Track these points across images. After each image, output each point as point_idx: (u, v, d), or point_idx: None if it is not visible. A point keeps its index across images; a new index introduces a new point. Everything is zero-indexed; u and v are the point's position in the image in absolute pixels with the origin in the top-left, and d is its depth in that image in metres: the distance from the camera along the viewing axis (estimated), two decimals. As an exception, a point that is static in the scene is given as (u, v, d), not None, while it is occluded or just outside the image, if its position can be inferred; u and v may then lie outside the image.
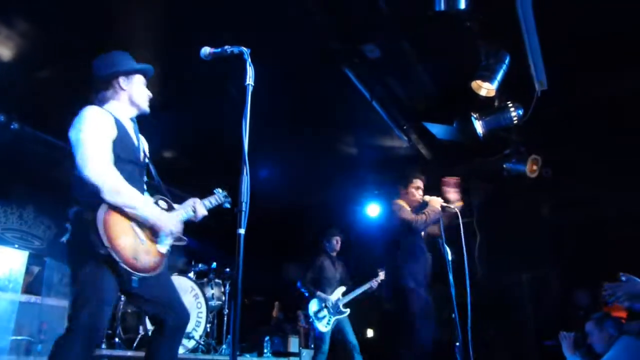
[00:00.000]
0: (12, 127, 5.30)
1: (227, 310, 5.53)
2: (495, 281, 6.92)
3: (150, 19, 4.21)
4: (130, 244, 2.30)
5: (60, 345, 2.17)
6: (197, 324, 4.88)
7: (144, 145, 2.86)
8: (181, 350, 4.66)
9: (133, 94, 2.73)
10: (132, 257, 2.28)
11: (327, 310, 5.44)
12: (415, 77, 5.13)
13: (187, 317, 2.62)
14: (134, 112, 2.77)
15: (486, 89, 4.55)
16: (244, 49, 2.27)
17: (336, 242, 5.91)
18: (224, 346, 5.21)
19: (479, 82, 4.51)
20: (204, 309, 4.98)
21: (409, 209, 4.15)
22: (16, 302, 3.63)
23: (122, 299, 4.85)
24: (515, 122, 5.03)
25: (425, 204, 4.15)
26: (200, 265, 5.49)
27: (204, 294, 5.05)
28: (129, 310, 4.79)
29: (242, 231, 1.98)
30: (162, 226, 2.47)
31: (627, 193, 5.94)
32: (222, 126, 4.33)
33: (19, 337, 3.58)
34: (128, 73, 2.72)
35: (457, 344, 4.79)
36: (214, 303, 5.38)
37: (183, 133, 6.18)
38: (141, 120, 2.85)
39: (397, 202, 4.23)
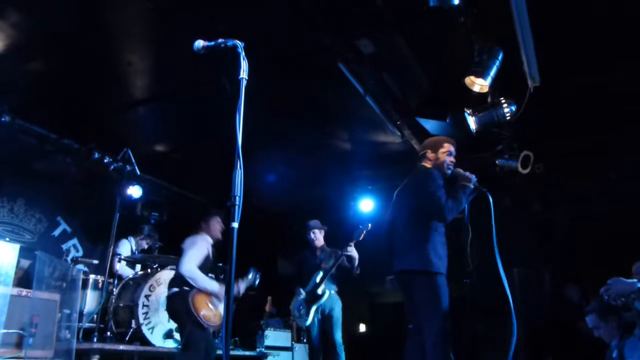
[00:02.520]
0: (2, 119, 5.25)
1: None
2: (487, 276, 6.95)
3: (143, 11, 4.18)
4: (206, 313, 4.07)
5: None
6: (190, 318, 4.91)
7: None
8: (173, 345, 4.68)
9: (213, 233, 4.55)
10: (205, 315, 4.04)
11: (304, 302, 5.32)
12: (408, 73, 5.12)
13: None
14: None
15: (479, 84, 4.56)
16: (238, 43, 2.25)
17: (318, 233, 5.67)
18: (216, 341, 5.21)
19: (472, 77, 4.52)
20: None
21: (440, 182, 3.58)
22: (7, 296, 3.61)
23: (114, 293, 4.85)
24: (508, 118, 5.04)
25: (454, 178, 3.66)
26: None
27: (196, 289, 5.07)
28: (121, 305, 4.78)
29: (235, 225, 1.98)
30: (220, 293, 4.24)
31: (617, 189, 6.00)
32: (216, 120, 4.31)
33: (10, 331, 3.56)
34: (207, 221, 4.57)
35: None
36: (206, 297, 5.38)
37: (177, 127, 6.16)
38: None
39: (424, 174, 3.60)
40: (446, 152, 3.76)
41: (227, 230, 2.41)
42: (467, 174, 3.62)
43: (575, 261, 6.31)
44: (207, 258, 4.30)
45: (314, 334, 5.35)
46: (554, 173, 6.33)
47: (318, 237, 5.65)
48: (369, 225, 5.32)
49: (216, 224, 4.48)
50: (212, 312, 4.07)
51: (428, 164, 3.72)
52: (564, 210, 6.57)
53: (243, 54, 2.23)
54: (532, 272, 6.91)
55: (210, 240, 4.43)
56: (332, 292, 5.44)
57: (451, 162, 3.74)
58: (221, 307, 4.06)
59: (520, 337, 6.69)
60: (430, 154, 3.76)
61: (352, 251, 5.30)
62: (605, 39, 4.52)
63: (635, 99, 5.24)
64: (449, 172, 3.70)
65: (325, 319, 5.37)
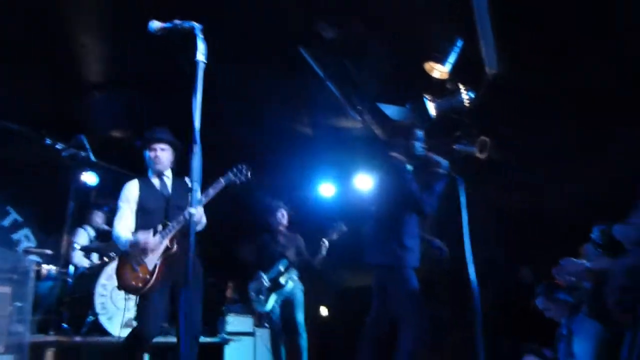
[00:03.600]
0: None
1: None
2: (445, 261, 7.12)
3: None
4: (129, 275, 3.29)
5: None
6: (149, 306, 4.83)
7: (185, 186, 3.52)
8: (132, 334, 4.61)
9: (149, 163, 3.58)
10: (129, 284, 3.28)
11: (265, 288, 5.33)
12: (369, 58, 5.14)
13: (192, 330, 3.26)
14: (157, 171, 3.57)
15: (439, 71, 4.62)
16: (195, 24, 2.19)
17: (281, 215, 5.64)
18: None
19: (432, 64, 4.58)
20: (156, 291, 4.92)
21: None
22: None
23: (70, 283, 4.72)
24: (467, 104, 5.14)
25: (425, 163, 3.78)
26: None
27: (155, 277, 4.99)
28: (77, 295, 4.66)
29: (193, 211, 1.95)
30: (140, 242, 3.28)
31: (569, 176, 6.22)
32: (173, 104, 4.21)
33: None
34: (142, 150, 3.62)
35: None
36: (166, 285, 5.31)
37: (134, 112, 6.00)
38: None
39: (403, 164, 3.68)
40: (414, 137, 3.84)
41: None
42: (439, 158, 3.71)
43: (528, 244, 6.53)
44: (146, 200, 3.47)
45: (275, 318, 5.37)
46: (510, 158, 6.51)
47: (284, 218, 5.65)
48: (344, 227, 5.39)
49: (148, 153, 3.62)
50: (136, 272, 3.25)
51: (400, 154, 3.75)
52: (518, 194, 6.77)
53: (201, 36, 2.18)
54: (487, 254, 7.12)
55: (135, 187, 3.54)
56: (295, 277, 5.47)
57: (421, 147, 3.80)
58: (147, 259, 3.25)
59: (476, 315, 6.92)
60: (401, 141, 3.79)
61: (324, 250, 5.39)
62: (564, 30, 4.64)
63: (588, 90, 5.42)
64: (420, 155, 3.75)
65: (287, 302, 5.39)
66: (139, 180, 3.56)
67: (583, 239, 4.20)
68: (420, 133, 3.86)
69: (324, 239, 5.39)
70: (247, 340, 5.73)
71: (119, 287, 3.33)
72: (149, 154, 3.53)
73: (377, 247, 3.63)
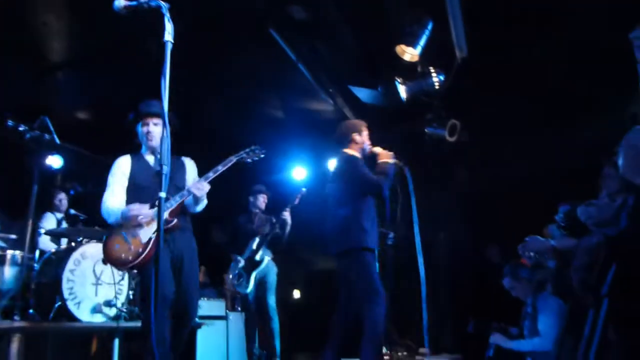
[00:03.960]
0: None
1: (138, 278, 5.39)
2: (415, 240, 7.22)
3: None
4: (118, 248, 3.07)
5: None
6: (119, 291, 4.74)
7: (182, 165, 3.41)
8: (102, 319, 4.55)
9: (142, 138, 3.32)
10: (118, 258, 3.05)
11: (243, 270, 5.36)
12: (341, 40, 5.11)
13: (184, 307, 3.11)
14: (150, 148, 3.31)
15: (410, 53, 4.63)
16: (162, 3, 2.09)
17: (263, 199, 5.71)
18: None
19: (403, 46, 4.59)
20: (125, 275, 4.83)
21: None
22: None
23: (36, 268, 4.61)
24: (437, 87, 5.18)
25: (374, 156, 3.87)
26: (121, 232, 5.30)
27: (125, 261, 4.92)
28: (44, 281, 4.56)
29: (162, 194, 1.92)
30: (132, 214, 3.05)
31: (535, 156, 6.36)
32: (140, 86, 4.11)
33: None
34: (134, 123, 3.36)
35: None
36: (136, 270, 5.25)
37: (99, 93, 5.84)
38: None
39: (354, 157, 3.84)
40: (366, 135, 3.97)
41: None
42: (386, 152, 3.89)
43: (496, 224, 6.68)
44: (138, 176, 3.27)
45: (251, 300, 5.39)
46: (478, 141, 6.61)
47: (263, 202, 5.69)
48: (304, 189, 5.39)
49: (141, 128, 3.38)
50: (127, 245, 3.08)
51: (353, 148, 3.89)
52: (486, 176, 6.89)
53: (168, 15, 2.12)
54: (456, 234, 7.26)
55: (126, 162, 3.34)
56: (269, 257, 5.49)
57: (369, 144, 3.96)
58: (141, 232, 3.07)
59: (446, 296, 7.08)
60: (357, 137, 3.90)
61: (287, 216, 5.38)
62: (531, 13, 4.71)
63: (556, 72, 5.53)
64: (367, 151, 3.93)
65: (260, 284, 5.43)
66: (131, 155, 3.34)
67: (550, 218, 4.32)
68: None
69: (286, 207, 5.39)
70: (220, 324, 5.72)
71: (105, 261, 3.12)
72: (142, 128, 3.31)
73: (337, 234, 3.77)
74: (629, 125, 2.24)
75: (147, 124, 3.27)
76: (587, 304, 2.02)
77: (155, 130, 3.24)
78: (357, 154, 3.87)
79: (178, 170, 3.32)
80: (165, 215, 3.03)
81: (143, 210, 3.05)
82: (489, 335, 3.77)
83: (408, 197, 3.99)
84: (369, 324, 3.54)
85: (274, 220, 5.50)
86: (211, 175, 3.20)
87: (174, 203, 3.10)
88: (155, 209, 3.01)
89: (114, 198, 3.20)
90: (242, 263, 5.36)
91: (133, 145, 3.39)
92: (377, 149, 3.90)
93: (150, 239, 3.05)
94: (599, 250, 1.99)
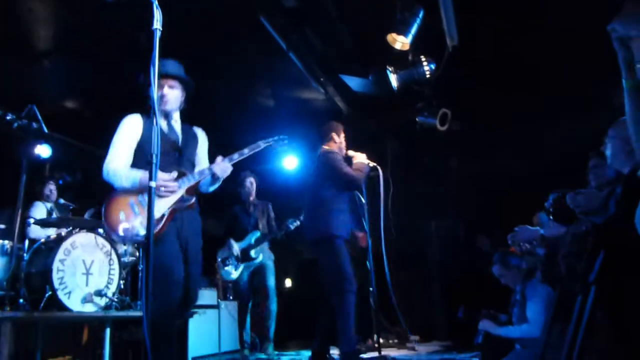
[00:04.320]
0: None
1: (141, 266, 5.39)
2: (407, 230, 7.27)
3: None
4: (122, 216, 2.71)
5: None
6: (110, 280, 4.73)
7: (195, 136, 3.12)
8: (93, 309, 4.54)
9: (159, 99, 2.86)
10: (122, 228, 2.69)
11: (234, 257, 5.39)
12: (332, 29, 5.08)
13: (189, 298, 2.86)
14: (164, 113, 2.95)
15: (401, 42, 4.62)
16: (150, -9, 2.10)
17: (250, 183, 5.72)
18: (139, 302, 5.11)
19: (394, 35, 4.57)
20: (116, 265, 4.82)
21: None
22: None
23: (25, 258, 4.58)
24: (428, 76, 5.18)
25: (349, 159, 4.14)
26: (111, 221, 5.27)
27: (115, 251, 4.88)
28: (34, 270, 4.54)
29: (153, 184, 1.91)
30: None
31: (525, 146, 6.40)
32: (129, 74, 4.07)
33: None
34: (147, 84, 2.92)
35: (371, 289, 5.05)
36: (127, 259, 5.21)
37: (87, 81, 5.78)
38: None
39: (333, 152, 4.11)
40: (344, 137, 4.26)
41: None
42: (359, 154, 4.17)
43: (486, 213, 6.72)
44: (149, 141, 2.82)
45: (242, 287, 5.46)
46: (470, 130, 6.63)
47: (253, 187, 5.72)
48: (299, 222, 5.47)
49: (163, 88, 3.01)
50: (135, 216, 2.74)
51: (333, 146, 4.17)
52: (477, 165, 6.93)
53: (156, 3, 2.10)
54: (448, 224, 7.32)
55: (137, 122, 2.96)
56: (265, 247, 5.58)
57: (345, 146, 4.26)
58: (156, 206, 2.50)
59: (438, 284, 7.15)
60: (336, 137, 4.20)
61: (292, 226, 5.52)
62: (520, 3, 4.71)
63: (547, 61, 5.55)
64: (343, 152, 4.21)
65: (257, 271, 5.54)
66: (142, 116, 2.96)
67: (541, 208, 4.35)
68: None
69: (296, 220, 5.46)
70: (212, 312, 5.73)
71: (107, 230, 2.75)
72: (162, 90, 2.95)
73: (312, 223, 4.03)
74: (617, 116, 2.26)
75: (162, 86, 2.91)
76: (575, 291, 2.05)
77: (170, 94, 2.96)
78: (336, 150, 4.14)
79: (190, 141, 3.07)
80: (182, 192, 2.83)
81: (170, 183, 2.74)
82: (479, 322, 3.81)
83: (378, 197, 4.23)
84: (339, 313, 3.69)
85: (269, 206, 5.58)
86: (236, 157, 3.02)
87: (192, 180, 2.86)
88: (180, 180, 2.81)
89: (120, 160, 2.82)
90: (236, 252, 5.37)
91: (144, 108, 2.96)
92: (352, 152, 4.19)
93: (163, 215, 2.72)
94: (587, 238, 2.02)
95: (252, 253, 5.43)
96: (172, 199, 2.76)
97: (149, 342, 2.19)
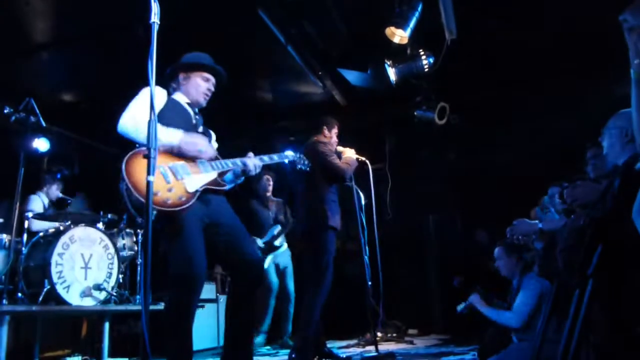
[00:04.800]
0: None
1: (140, 260, 5.39)
2: (405, 223, 7.29)
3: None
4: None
5: None
6: (109, 275, 4.74)
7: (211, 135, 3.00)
8: (92, 303, 4.55)
9: (189, 89, 2.86)
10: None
11: (260, 250, 5.52)
12: (330, 22, 5.06)
13: (254, 275, 2.70)
14: (194, 104, 2.90)
15: (399, 36, 4.60)
16: (147, -17, 2.08)
17: (267, 180, 5.87)
18: (138, 296, 5.12)
19: (392, 28, 4.55)
20: (115, 259, 4.83)
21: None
22: None
23: (24, 252, 4.58)
24: (427, 70, 5.16)
25: (339, 154, 4.18)
26: (109, 216, 5.26)
27: (114, 245, 4.88)
28: (32, 264, 4.54)
29: (151, 178, 1.91)
30: (188, 145, 2.59)
31: (523, 140, 6.39)
32: (127, 67, 4.05)
33: None
34: (187, 70, 2.89)
35: (370, 283, 5.06)
36: (125, 253, 5.22)
37: (85, 74, 5.75)
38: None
39: (323, 144, 4.15)
40: (336, 134, 4.32)
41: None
42: (348, 149, 4.22)
43: (484, 207, 6.73)
44: (174, 112, 2.74)
45: (272, 279, 5.66)
46: (468, 124, 6.62)
47: (270, 183, 5.91)
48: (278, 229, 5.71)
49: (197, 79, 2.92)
50: (165, 183, 2.47)
51: (322, 139, 4.22)
52: (476, 159, 6.93)
53: (154, -5, 2.08)
54: (446, 217, 7.32)
55: (161, 95, 2.76)
56: (286, 245, 5.84)
57: (336, 142, 4.32)
58: (188, 178, 2.53)
59: (435, 278, 7.16)
60: (326, 131, 4.26)
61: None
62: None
63: (546, 54, 5.54)
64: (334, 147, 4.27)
65: (281, 271, 5.75)
66: (163, 89, 2.80)
67: (535, 202, 4.36)
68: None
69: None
70: (210, 306, 5.75)
71: (130, 188, 2.36)
72: (199, 81, 2.90)
73: (305, 213, 4.04)
74: (617, 107, 2.27)
75: (209, 81, 2.93)
76: (572, 285, 2.05)
77: (209, 93, 2.94)
78: (326, 142, 4.21)
79: (209, 136, 2.97)
80: (215, 174, 2.69)
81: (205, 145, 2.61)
82: (469, 296, 3.85)
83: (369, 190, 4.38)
84: (307, 305, 3.73)
85: (284, 204, 5.89)
86: (266, 160, 2.96)
87: (225, 166, 2.74)
88: (216, 161, 2.68)
89: (143, 116, 2.35)
90: (260, 245, 5.56)
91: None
92: (341, 148, 4.24)
93: (197, 191, 2.55)
94: (585, 232, 2.02)
95: (276, 243, 5.69)
96: (207, 178, 2.63)
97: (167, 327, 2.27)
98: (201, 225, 2.59)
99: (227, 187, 2.77)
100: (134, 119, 2.51)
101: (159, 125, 2.28)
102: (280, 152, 3.12)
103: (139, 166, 2.37)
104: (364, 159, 4.30)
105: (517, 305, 3.51)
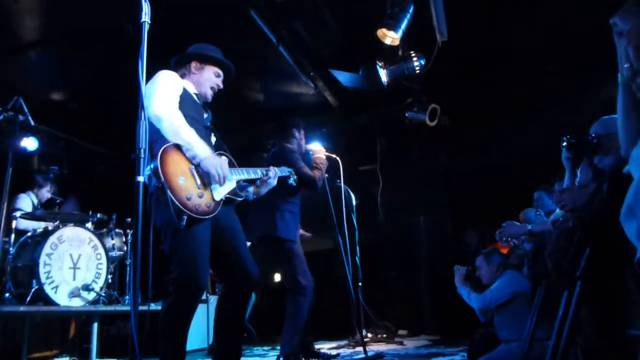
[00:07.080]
0: None
1: (129, 261, 5.36)
2: (395, 224, 7.31)
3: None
4: (184, 183, 2.37)
5: None
6: (97, 275, 4.70)
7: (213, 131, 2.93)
8: (80, 303, 4.51)
9: (200, 80, 2.83)
10: (185, 196, 2.33)
11: None
12: (322, 23, 5.06)
13: (251, 283, 2.64)
14: (201, 96, 2.86)
15: (391, 37, 4.61)
16: (138, -18, 2.07)
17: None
18: (127, 297, 5.09)
19: (384, 30, 4.57)
20: (104, 259, 4.79)
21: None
22: None
23: (11, 252, 4.54)
24: (418, 71, 5.19)
25: (308, 153, 4.10)
26: (99, 215, 5.22)
27: (103, 245, 4.85)
28: (20, 264, 4.50)
29: (141, 179, 1.89)
30: (210, 165, 2.44)
31: (513, 142, 6.44)
32: (117, 66, 4.02)
33: None
34: (202, 61, 2.86)
35: (360, 284, 5.08)
36: (114, 253, 5.18)
37: (74, 73, 5.70)
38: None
39: (291, 153, 3.98)
40: (303, 133, 4.22)
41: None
42: (316, 144, 4.21)
43: (475, 208, 6.77)
44: (188, 104, 2.64)
45: None
46: (458, 125, 6.66)
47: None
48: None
49: (210, 72, 2.89)
50: (197, 187, 2.42)
51: (292, 143, 4.12)
52: (466, 161, 6.97)
53: (145, -5, 2.07)
54: (436, 219, 7.35)
55: (178, 82, 2.67)
56: None
57: (303, 141, 4.22)
58: (215, 185, 2.48)
59: (425, 279, 7.19)
60: (297, 133, 4.16)
61: None
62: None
63: (536, 56, 5.58)
64: (302, 148, 4.18)
65: None
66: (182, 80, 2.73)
67: (525, 204, 4.40)
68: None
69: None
70: (201, 307, 5.73)
71: (166, 186, 2.27)
72: (210, 75, 2.87)
73: (261, 221, 3.93)
74: (606, 110, 2.29)
75: (220, 77, 2.91)
76: (561, 287, 2.07)
77: (217, 89, 2.93)
78: (295, 148, 4.09)
79: (216, 133, 2.94)
80: (234, 183, 2.65)
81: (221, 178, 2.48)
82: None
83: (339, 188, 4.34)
84: (288, 316, 3.77)
85: None
86: (278, 172, 2.96)
87: (244, 174, 2.73)
88: (232, 169, 2.62)
89: (173, 103, 2.49)
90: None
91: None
92: (311, 146, 4.17)
93: (221, 200, 2.51)
94: (574, 234, 2.04)
95: None
96: (230, 186, 2.59)
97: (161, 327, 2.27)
98: (211, 231, 2.52)
99: (241, 198, 2.73)
100: (172, 116, 2.42)
101: (196, 136, 2.42)
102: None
103: (173, 166, 2.36)
104: (334, 155, 4.21)
105: (486, 291, 3.65)
